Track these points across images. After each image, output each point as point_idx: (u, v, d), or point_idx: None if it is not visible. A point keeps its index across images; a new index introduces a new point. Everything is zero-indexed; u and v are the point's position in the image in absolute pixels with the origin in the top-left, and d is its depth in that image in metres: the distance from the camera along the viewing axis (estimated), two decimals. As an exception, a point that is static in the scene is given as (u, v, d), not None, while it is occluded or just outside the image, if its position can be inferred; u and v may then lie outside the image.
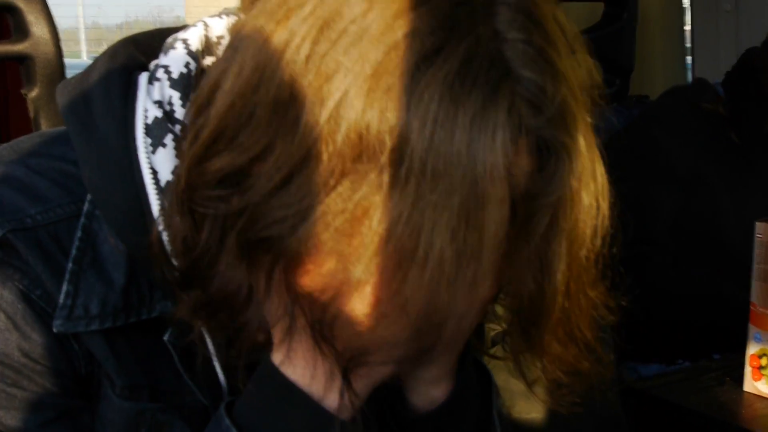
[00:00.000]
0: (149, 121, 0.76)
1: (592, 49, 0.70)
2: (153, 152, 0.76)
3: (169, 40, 0.80)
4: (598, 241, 0.69)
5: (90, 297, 0.77)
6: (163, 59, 0.78)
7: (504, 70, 0.63)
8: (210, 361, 0.81)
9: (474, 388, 0.86)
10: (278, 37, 0.64)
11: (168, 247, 0.72)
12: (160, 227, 0.72)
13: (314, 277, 0.67)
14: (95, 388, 0.81)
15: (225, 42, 0.78)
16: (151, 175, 0.76)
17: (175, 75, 0.77)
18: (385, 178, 0.62)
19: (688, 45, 3.46)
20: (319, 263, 0.66)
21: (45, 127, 1.57)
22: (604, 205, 0.69)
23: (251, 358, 0.73)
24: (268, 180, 0.64)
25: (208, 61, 0.79)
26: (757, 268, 1.55)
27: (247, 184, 0.65)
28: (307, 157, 0.63)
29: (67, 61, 1.60)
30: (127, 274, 0.79)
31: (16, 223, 0.77)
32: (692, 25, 3.43)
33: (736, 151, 2.22)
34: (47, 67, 1.56)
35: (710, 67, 3.18)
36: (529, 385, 0.78)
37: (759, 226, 1.55)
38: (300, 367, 0.72)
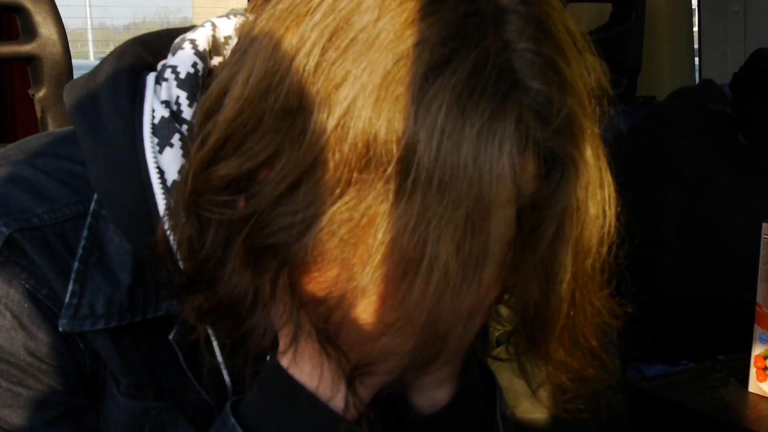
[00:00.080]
0: (156, 121, 0.76)
1: (600, 52, 0.70)
2: (160, 152, 0.76)
3: (177, 40, 0.80)
4: (604, 250, 0.69)
5: (96, 296, 0.77)
6: (170, 59, 0.79)
7: (512, 81, 0.62)
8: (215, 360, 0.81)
9: (478, 391, 0.86)
10: (288, 43, 0.64)
11: (174, 247, 0.72)
12: (166, 227, 0.73)
13: (319, 283, 0.67)
14: (100, 386, 0.81)
15: (233, 43, 0.78)
16: (158, 175, 0.76)
17: (182, 75, 0.77)
18: (392, 187, 0.62)
19: (696, 46, 3.45)
20: (324, 270, 0.66)
21: (52, 127, 1.58)
22: (611, 214, 0.68)
23: (257, 366, 0.73)
24: (274, 187, 0.64)
25: (216, 61, 0.79)
26: (763, 269, 1.55)
27: (253, 190, 0.65)
28: (313, 164, 0.63)
29: (74, 61, 1.60)
30: (133, 274, 0.79)
31: (23, 223, 0.77)
32: (700, 26, 3.41)
33: (743, 152, 2.22)
34: (55, 68, 1.57)
35: (718, 68, 3.17)
36: (533, 388, 0.78)
37: (766, 227, 1.54)
38: (307, 369, 0.72)
